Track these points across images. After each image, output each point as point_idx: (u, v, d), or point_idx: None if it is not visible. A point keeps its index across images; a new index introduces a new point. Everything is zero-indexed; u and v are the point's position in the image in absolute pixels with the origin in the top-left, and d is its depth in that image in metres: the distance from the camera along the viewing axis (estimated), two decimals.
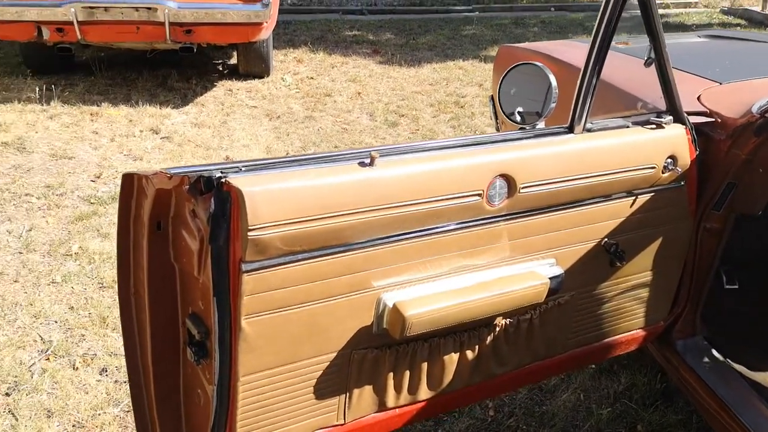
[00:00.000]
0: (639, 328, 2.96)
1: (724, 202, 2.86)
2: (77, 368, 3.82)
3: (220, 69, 9.41)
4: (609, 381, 3.80)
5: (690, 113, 2.80)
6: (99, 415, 3.52)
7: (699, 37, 4.76)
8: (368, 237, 2.09)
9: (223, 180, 1.85)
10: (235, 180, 1.86)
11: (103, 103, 7.79)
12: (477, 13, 14.91)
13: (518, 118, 2.62)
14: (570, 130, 2.49)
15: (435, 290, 2.27)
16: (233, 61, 9.46)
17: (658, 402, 3.65)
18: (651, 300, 2.90)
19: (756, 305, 3.37)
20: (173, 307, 2.22)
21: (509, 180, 2.28)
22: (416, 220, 2.16)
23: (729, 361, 3.07)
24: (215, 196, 1.85)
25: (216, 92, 8.49)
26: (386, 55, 10.66)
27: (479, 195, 2.23)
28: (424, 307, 2.18)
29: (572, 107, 2.46)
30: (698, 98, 3.06)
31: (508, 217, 2.34)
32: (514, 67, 2.67)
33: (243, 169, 1.93)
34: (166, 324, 2.23)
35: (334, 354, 2.20)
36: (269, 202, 1.88)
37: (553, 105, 2.50)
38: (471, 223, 2.28)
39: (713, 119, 2.88)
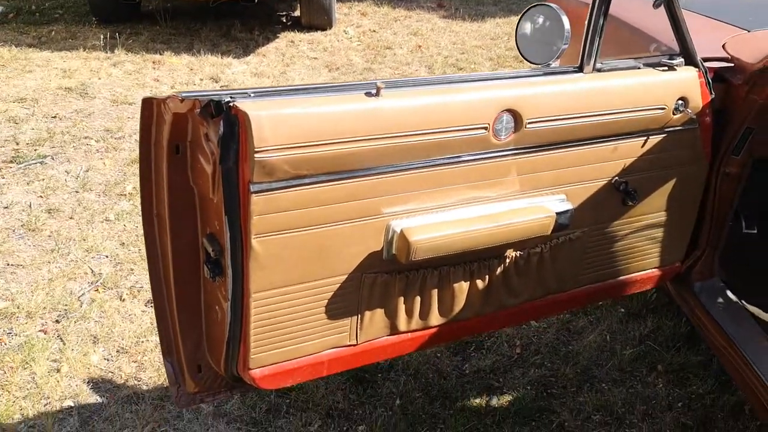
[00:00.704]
0: (654, 268, 3.00)
1: (742, 146, 2.89)
2: (124, 299, 4.01)
3: (284, 21, 9.51)
4: (636, 324, 3.87)
5: (710, 59, 2.82)
6: (142, 342, 3.69)
7: None
8: (374, 165, 2.16)
9: (231, 104, 1.94)
10: (243, 104, 1.94)
11: (165, 52, 7.97)
12: None
13: (533, 58, 2.68)
14: (580, 69, 2.53)
15: (441, 219, 2.33)
16: (297, 13, 9.54)
17: (680, 344, 3.71)
18: (666, 240, 2.94)
19: None
20: (193, 228, 2.31)
21: (516, 115, 2.32)
22: (422, 150, 2.22)
23: (743, 302, 3.11)
24: (224, 120, 1.94)
25: (278, 43, 8.60)
26: (450, 9, 10.64)
27: (485, 128, 2.28)
28: (429, 234, 2.25)
29: (581, 47, 2.51)
30: (723, 45, 3.09)
31: (515, 151, 2.39)
32: (529, 8, 2.72)
33: (252, 95, 2.01)
34: (187, 244, 2.33)
35: (345, 276, 2.28)
36: (275, 125, 1.96)
37: (565, 46, 2.54)
38: (478, 156, 2.33)
39: (732, 64, 2.91)
